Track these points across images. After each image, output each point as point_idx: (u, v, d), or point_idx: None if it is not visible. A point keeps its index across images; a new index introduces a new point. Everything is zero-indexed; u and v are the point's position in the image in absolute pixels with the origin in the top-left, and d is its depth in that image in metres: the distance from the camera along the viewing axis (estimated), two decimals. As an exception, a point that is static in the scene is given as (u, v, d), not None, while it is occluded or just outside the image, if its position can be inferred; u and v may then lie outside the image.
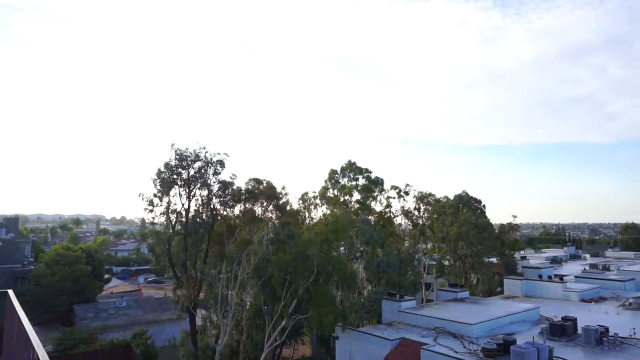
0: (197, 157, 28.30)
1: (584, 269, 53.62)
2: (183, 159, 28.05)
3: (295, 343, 38.93)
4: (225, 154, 28.95)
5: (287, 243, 28.35)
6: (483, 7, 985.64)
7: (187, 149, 28.32)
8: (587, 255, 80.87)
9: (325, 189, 41.99)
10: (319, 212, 41.67)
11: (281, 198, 31.82)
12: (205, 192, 28.96)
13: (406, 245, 44.39)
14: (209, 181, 28.73)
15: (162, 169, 27.96)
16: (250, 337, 30.69)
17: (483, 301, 32.05)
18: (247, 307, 31.83)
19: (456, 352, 20.12)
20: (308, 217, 41.46)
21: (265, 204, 31.00)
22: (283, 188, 32.57)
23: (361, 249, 35.53)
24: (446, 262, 47.12)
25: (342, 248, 35.72)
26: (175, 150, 28.06)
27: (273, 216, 32.07)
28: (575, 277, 43.07)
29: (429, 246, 49.90)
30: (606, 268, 53.72)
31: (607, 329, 21.83)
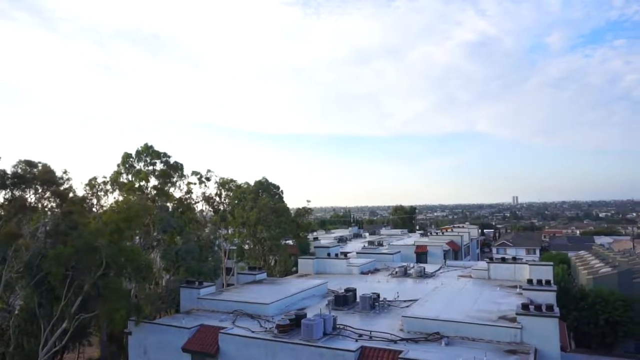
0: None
1: (364, 245, 61.87)
2: None
3: (81, 345, 35.02)
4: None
5: (70, 235, 24.99)
6: (286, 2, 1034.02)
7: None
8: (367, 234, 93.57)
9: (117, 174, 38.34)
10: (111, 199, 38.01)
11: (62, 184, 27.95)
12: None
13: (207, 231, 43.92)
14: (-42, 162, 23.27)
15: None
16: (20, 346, 26.23)
17: (279, 281, 33.95)
18: (17, 311, 27.06)
19: (253, 331, 20.86)
20: (97, 204, 37.38)
21: (40, 190, 26.73)
22: (65, 172, 28.73)
23: (158, 237, 33.71)
24: (246, 246, 48.37)
25: (136, 237, 33.29)
26: None
27: (53, 204, 27.92)
28: (357, 253, 49.29)
29: (230, 231, 50.43)
30: (380, 244, 62.91)
31: (378, 296, 25.58)
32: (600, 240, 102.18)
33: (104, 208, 36.31)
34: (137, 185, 37.53)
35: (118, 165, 38.98)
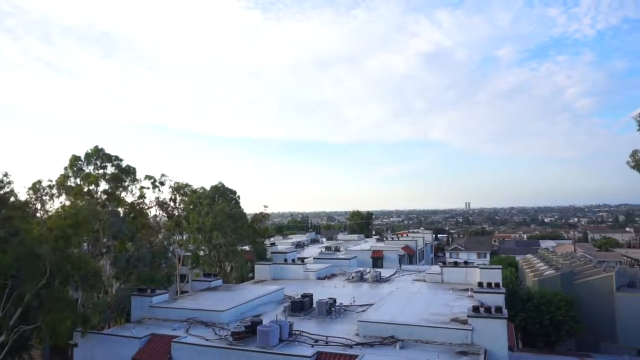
0: None
1: (321, 251, 62.01)
2: None
3: (21, 359, 32.96)
4: None
5: (10, 241, 23.52)
6: (245, 6, 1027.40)
7: None
8: (324, 239, 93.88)
9: (65, 177, 36.55)
10: (57, 203, 36.13)
11: (2, 187, 26.34)
12: None
13: (160, 237, 42.61)
14: None
15: None
16: (-47, 361, 24.40)
17: (235, 287, 33.42)
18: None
19: (207, 340, 20.39)
20: (41, 209, 35.44)
21: (-22, 194, 25.09)
22: (5, 175, 27.05)
23: (108, 243, 32.38)
24: (201, 253, 47.29)
25: (84, 244, 31.84)
26: None
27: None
28: (314, 258, 49.29)
29: (184, 237, 49.16)
30: (337, 249, 63.23)
31: (335, 301, 25.64)
32: (545, 244, 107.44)
33: (49, 213, 34.47)
34: (86, 189, 35.94)
35: (65, 169, 37.17)
